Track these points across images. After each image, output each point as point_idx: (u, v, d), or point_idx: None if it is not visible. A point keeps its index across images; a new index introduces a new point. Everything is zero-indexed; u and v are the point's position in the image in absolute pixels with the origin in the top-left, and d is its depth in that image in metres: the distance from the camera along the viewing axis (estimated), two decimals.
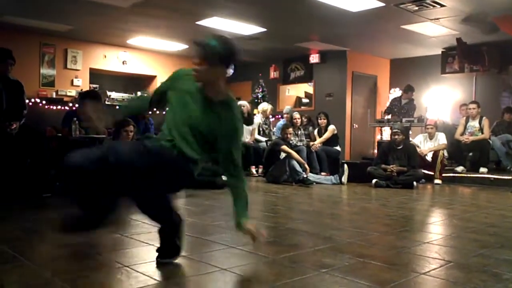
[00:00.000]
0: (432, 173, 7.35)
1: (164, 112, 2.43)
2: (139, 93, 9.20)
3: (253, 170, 8.21)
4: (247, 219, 2.39)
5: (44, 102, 7.42)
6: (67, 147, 5.64)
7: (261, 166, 8.03)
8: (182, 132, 2.28)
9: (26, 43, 8.85)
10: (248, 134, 8.51)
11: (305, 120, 9.10)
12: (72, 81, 9.60)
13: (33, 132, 5.15)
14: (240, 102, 8.79)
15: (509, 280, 2.24)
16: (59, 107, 7.38)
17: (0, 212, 3.95)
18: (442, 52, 9.89)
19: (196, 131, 2.29)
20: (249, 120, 8.60)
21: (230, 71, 2.36)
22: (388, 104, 9.84)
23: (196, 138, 2.29)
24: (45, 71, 9.33)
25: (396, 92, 10.43)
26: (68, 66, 9.60)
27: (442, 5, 6.78)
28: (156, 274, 2.20)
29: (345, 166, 7.20)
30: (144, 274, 2.19)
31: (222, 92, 2.35)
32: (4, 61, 5.06)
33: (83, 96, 6.17)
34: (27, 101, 5.54)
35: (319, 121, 8.53)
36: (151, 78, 10.92)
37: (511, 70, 9.14)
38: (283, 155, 7.14)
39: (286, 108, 9.53)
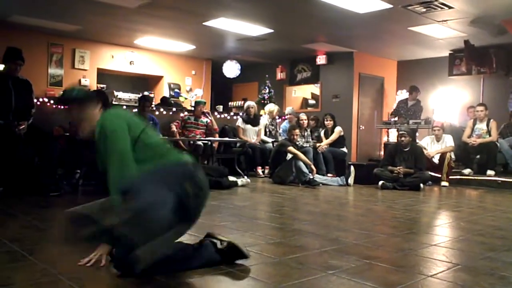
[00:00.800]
0: (439, 175, 7.31)
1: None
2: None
3: (260, 171, 8.21)
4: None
5: (52, 101, 7.45)
6: (75, 147, 5.68)
7: (267, 167, 8.03)
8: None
9: (34, 43, 8.90)
10: (255, 135, 8.52)
11: (313, 122, 9.07)
12: (79, 81, 9.64)
13: (41, 131, 5.19)
14: (247, 103, 8.81)
15: None
16: (66, 106, 7.41)
17: (8, 211, 3.97)
18: (449, 54, 9.85)
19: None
20: (255, 121, 8.61)
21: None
22: (395, 106, 9.81)
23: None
24: (53, 70, 9.38)
25: (403, 94, 10.39)
26: (76, 66, 9.64)
27: (450, 7, 6.75)
28: (161, 274, 2.21)
29: (352, 167, 7.19)
30: (149, 274, 2.20)
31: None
32: (13, 61, 5.10)
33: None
34: (35, 100, 5.58)
35: (326, 122, 8.52)
36: (158, 78, 10.95)
37: None
38: (289, 156, 7.14)
39: (288, 109, 9.54)
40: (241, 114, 8.96)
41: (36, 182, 4.99)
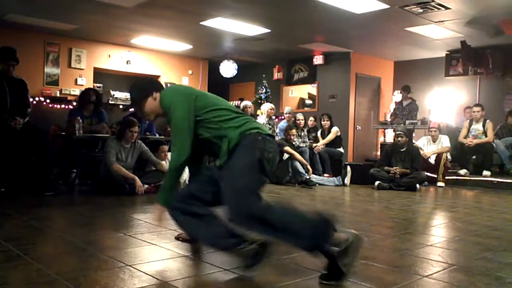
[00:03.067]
0: (435, 176, 7.33)
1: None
2: None
3: None
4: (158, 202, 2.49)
5: (48, 100, 7.44)
6: (71, 146, 5.67)
7: None
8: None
9: (31, 42, 8.87)
10: None
11: (313, 121, 9.01)
12: (76, 80, 9.61)
13: (37, 131, 5.17)
14: (243, 103, 8.80)
15: None
16: (63, 106, 7.40)
17: (4, 210, 3.96)
18: (446, 54, 9.87)
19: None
20: None
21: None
22: (393, 109, 9.82)
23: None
24: (49, 70, 9.35)
25: (398, 96, 10.40)
26: (72, 65, 9.62)
27: (447, 8, 6.77)
28: (158, 274, 2.21)
29: (348, 167, 7.20)
30: (147, 274, 2.20)
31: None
32: (5, 61, 5.06)
33: (84, 94, 6.17)
34: (31, 99, 5.55)
35: (322, 122, 8.53)
36: (155, 78, 10.93)
37: None
38: (286, 156, 7.15)
39: (287, 108, 9.55)
40: None
41: (32, 181, 4.97)
